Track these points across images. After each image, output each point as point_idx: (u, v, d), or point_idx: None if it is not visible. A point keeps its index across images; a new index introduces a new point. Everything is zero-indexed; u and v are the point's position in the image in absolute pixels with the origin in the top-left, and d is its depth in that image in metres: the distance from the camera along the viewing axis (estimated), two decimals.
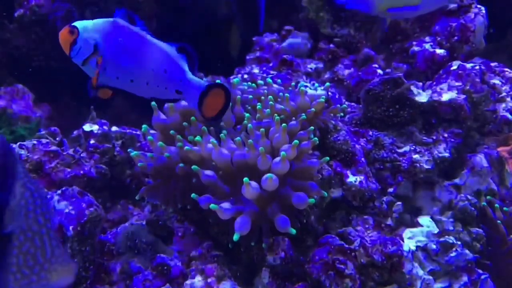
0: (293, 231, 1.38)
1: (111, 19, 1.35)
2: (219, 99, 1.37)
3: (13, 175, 0.79)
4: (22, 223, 0.78)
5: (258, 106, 1.58)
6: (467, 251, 1.55)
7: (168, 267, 1.49)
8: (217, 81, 1.82)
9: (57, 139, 1.88)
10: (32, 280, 0.78)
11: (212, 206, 1.37)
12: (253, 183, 1.37)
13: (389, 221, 1.64)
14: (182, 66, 1.36)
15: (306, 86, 1.78)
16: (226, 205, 1.38)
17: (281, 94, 1.65)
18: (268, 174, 1.37)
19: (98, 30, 1.33)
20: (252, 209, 1.40)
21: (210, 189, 1.44)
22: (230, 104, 1.42)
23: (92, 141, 1.85)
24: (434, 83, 1.90)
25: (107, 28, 1.34)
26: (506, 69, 1.96)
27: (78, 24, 1.32)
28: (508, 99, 1.89)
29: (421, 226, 1.63)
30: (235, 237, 1.35)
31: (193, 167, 1.43)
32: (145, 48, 1.36)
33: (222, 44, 2.75)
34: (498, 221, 1.61)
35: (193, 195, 1.42)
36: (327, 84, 1.82)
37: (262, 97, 1.64)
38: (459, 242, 1.57)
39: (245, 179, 1.35)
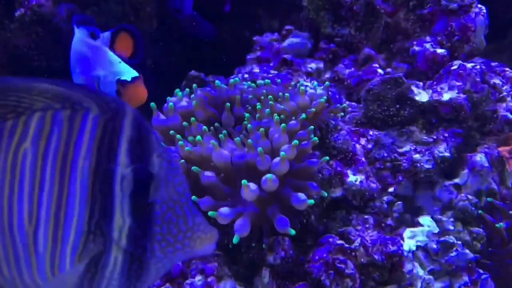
0: (293, 231, 1.38)
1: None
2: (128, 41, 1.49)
3: (149, 147, 0.80)
4: (163, 193, 0.79)
5: (258, 106, 1.58)
6: (467, 251, 1.55)
7: None
8: (217, 81, 1.82)
9: None
10: (177, 248, 0.80)
11: (210, 213, 1.36)
12: (252, 185, 1.37)
13: (389, 221, 1.64)
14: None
15: (306, 86, 1.78)
16: (225, 210, 1.38)
17: (280, 93, 1.65)
18: (268, 175, 1.37)
19: None
20: (251, 211, 1.40)
21: (210, 190, 1.44)
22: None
23: None
24: (435, 82, 1.90)
25: None
26: (506, 69, 1.96)
27: None
28: (509, 98, 1.89)
29: (422, 225, 1.63)
30: (235, 239, 1.35)
31: (193, 168, 1.43)
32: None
33: (223, 42, 2.75)
34: (497, 225, 1.61)
35: (193, 197, 1.42)
36: (327, 83, 1.82)
37: (262, 97, 1.64)
38: (459, 242, 1.57)
39: (244, 181, 1.35)
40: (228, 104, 1.61)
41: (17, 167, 0.80)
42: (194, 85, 1.74)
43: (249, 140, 1.42)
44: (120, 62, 1.63)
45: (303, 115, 1.53)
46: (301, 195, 1.39)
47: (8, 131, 0.81)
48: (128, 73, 1.59)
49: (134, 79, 1.57)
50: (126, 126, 0.79)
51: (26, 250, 0.80)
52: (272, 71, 2.13)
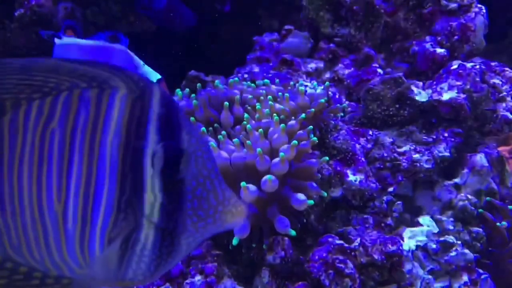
0: (293, 232, 1.38)
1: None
2: None
3: (178, 124, 0.80)
4: (193, 168, 0.80)
5: (258, 106, 1.58)
6: (467, 251, 1.55)
7: None
8: (216, 81, 1.82)
9: None
10: (209, 222, 0.81)
11: None
12: (251, 187, 1.36)
13: (389, 221, 1.64)
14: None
15: (305, 86, 1.78)
16: None
17: (280, 94, 1.64)
18: (268, 176, 1.37)
19: None
20: (251, 212, 1.40)
21: None
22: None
23: None
24: (435, 82, 1.90)
25: None
26: (506, 69, 1.96)
27: None
28: (509, 98, 1.89)
29: (421, 225, 1.64)
30: (234, 241, 1.36)
31: None
32: None
33: (221, 42, 2.75)
34: (498, 224, 1.61)
35: None
36: (327, 83, 1.82)
37: (261, 97, 1.64)
38: (459, 242, 1.57)
39: (242, 183, 1.35)
40: (226, 103, 1.61)
41: (45, 147, 0.80)
42: (199, 84, 1.73)
43: (248, 142, 1.42)
44: (144, 64, 1.66)
45: (303, 115, 1.53)
46: (301, 196, 1.39)
47: (35, 112, 0.81)
48: (152, 75, 1.63)
49: (158, 81, 1.61)
50: (155, 104, 0.80)
51: (56, 230, 0.81)
52: (271, 71, 2.13)
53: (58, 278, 0.84)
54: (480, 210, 1.65)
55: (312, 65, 2.21)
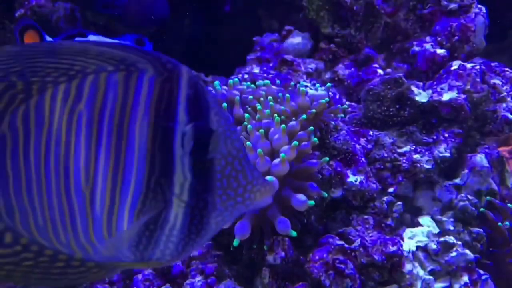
0: (294, 233, 1.38)
1: None
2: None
3: (206, 105, 0.81)
4: (222, 148, 0.81)
5: (258, 106, 1.58)
6: (467, 251, 1.55)
7: (168, 267, 1.50)
8: (216, 82, 1.82)
9: None
10: (238, 201, 0.82)
11: None
12: None
13: (389, 221, 1.64)
14: None
15: (306, 86, 1.78)
16: None
17: (280, 94, 1.64)
18: (268, 177, 1.37)
19: None
20: (252, 213, 1.40)
21: None
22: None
23: None
24: (435, 83, 1.90)
25: None
26: (506, 69, 1.96)
27: None
28: (509, 99, 1.89)
29: (422, 226, 1.64)
30: (235, 242, 1.36)
31: None
32: None
33: (221, 43, 2.75)
34: (500, 224, 1.61)
35: None
36: (329, 84, 1.82)
37: (262, 98, 1.64)
38: (459, 242, 1.57)
39: None
40: (225, 104, 1.61)
41: (72, 130, 0.81)
42: None
43: (248, 143, 1.42)
44: None
45: (303, 116, 1.53)
46: (301, 196, 1.39)
47: (61, 95, 0.82)
48: None
49: None
50: (183, 85, 0.81)
51: (83, 211, 0.81)
52: (272, 71, 2.13)
53: (83, 261, 0.85)
54: (482, 209, 1.65)
55: (312, 66, 2.21)
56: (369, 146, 1.76)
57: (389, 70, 2.13)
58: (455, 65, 1.90)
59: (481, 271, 1.54)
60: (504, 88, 1.90)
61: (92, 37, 1.73)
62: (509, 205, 1.66)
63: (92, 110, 0.81)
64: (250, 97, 1.68)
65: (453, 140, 1.77)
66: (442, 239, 1.57)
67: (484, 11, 2.15)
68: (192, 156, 0.79)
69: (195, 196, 0.80)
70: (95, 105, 0.81)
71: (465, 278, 1.53)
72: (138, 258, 0.83)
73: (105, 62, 0.81)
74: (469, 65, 1.88)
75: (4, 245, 0.84)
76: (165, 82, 0.81)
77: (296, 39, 2.32)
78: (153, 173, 0.80)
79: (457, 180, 1.74)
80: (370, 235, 1.56)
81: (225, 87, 1.74)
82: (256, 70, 2.21)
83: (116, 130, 0.80)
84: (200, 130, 0.79)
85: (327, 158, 1.52)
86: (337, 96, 1.99)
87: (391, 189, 1.72)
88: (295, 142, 1.42)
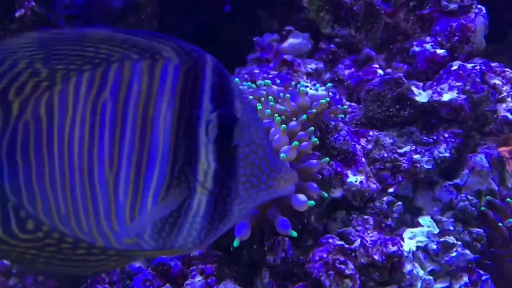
0: (294, 233, 1.38)
1: None
2: None
3: (231, 93, 0.82)
4: (246, 136, 0.82)
5: (259, 106, 1.58)
6: (467, 251, 1.55)
7: (169, 267, 1.49)
8: None
9: None
10: (262, 188, 0.83)
11: None
12: None
13: (389, 221, 1.64)
14: None
15: (306, 87, 1.78)
16: None
17: (281, 94, 1.64)
18: None
19: None
20: (252, 213, 1.40)
21: None
22: None
23: None
24: (435, 83, 1.90)
25: None
26: (506, 69, 1.96)
27: None
28: (509, 99, 1.89)
29: (422, 226, 1.64)
30: (235, 243, 1.36)
31: None
32: None
33: (221, 43, 2.75)
34: (500, 224, 1.61)
35: None
36: (329, 84, 1.82)
37: (262, 98, 1.64)
38: (459, 242, 1.57)
39: None
40: None
41: (97, 118, 0.81)
42: None
43: None
44: None
45: (304, 116, 1.53)
46: (302, 197, 1.39)
47: (85, 83, 0.82)
48: None
49: None
50: (208, 73, 0.81)
51: (106, 199, 0.82)
52: (272, 72, 2.13)
53: (104, 249, 0.85)
54: (483, 208, 1.65)
55: (312, 66, 2.21)
56: (369, 146, 1.76)
57: (389, 70, 2.13)
58: (455, 65, 1.90)
59: (481, 271, 1.54)
60: (504, 88, 1.90)
61: None
62: (508, 199, 1.65)
63: (116, 98, 0.81)
64: (251, 97, 1.68)
65: (453, 140, 1.77)
66: (442, 239, 1.57)
67: (484, 11, 2.15)
68: (217, 143, 0.80)
69: (219, 183, 0.81)
70: (120, 94, 0.81)
71: (465, 278, 1.53)
72: (160, 246, 0.83)
73: (130, 50, 0.81)
74: (469, 66, 1.88)
75: (27, 231, 0.85)
76: (190, 70, 0.81)
77: (296, 40, 2.32)
78: (177, 160, 0.80)
79: (457, 180, 1.74)
80: (370, 235, 1.56)
81: None
82: (256, 70, 2.21)
83: (141, 118, 0.80)
84: (225, 118, 0.80)
85: (327, 159, 1.52)
86: (337, 97, 1.99)
87: (391, 189, 1.72)
88: (295, 142, 1.42)
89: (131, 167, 0.81)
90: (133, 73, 0.81)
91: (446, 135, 1.78)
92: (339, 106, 1.75)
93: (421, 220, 1.65)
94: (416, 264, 1.54)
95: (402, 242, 1.54)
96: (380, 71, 2.09)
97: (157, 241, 0.83)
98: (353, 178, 1.62)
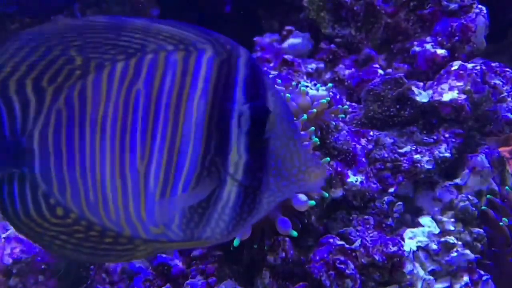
0: (295, 233, 1.38)
1: None
2: None
3: (263, 85, 0.83)
4: (278, 129, 0.82)
5: None
6: (468, 251, 1.55)
7: (169, 267, 1.49)
8: None
9: None
10: (292, 181, 0.83)
11: None
12: None
13: (390, 221, 1.64)
14: None
15: (307, 86, 1.78)
16: None
17: (282, 94, 1.64)
18: None
19: None
20: None
21: None
22: None
23: None
24: (435, 83, 1.90)
25: None
26: (507, 69, 1.96)
27: None
28: (509, 99, 1.89)
29: (422, 226, 1.64)
30: (235, 243, 1.36)
31: None
32: None
33: None
34: (501, 223, 1.61)
35: None
36: (330, 84, 1.82)
37: None
38: (460, 242, 1.57)
39: None
40: None
41: (129, 108, 0.82)
42: None
43: None
44: None
45: (304, 116, 1.53)
46: (302, 197, 1.39)
47: (119, 73, 0.83)
48: None
49: None
50: (241, 65, 0.82)
51: (136, 188, 0.82)
52: (272, 72, 2.13)
53: (131, 238, 0.86)
54: (483, 207, 1.65)
55: (312, 66, 2.21)
56: (370, 146, 1.76)
57: (389, 70, 2.12)
58: (455, 65, 1.90)
59: (482, 271, 1.54)
60: (505, 88, 1.90)
61: None
62: (506, 187, 1.65)
63: (150, 89, 0.81)
64: None
65: (453, 140, 1.77)
66: (442, 239, 1.57)
67: (485, 11, 2.15)
68: (248, 135, 0.80)
69: (250, 175, 0.81)
70: (153, 84, 0.81)
71: (466, 278, 1.53)
72: (188, 237, 0.84)
73: (165, 41, 0.82)
74: (469, 65, 1.88)
75: (57, 216, 0.86)
76: (223, 62, 0.82)
77: (296, 40, 2.32)
78: (209, 151, 0.81)
79: (458, 180, 1.73)
80: (371, 235, 1.56)
81: None
82: None
83: (174, 109, 0.81)
84: (257, 110, 0.80)
85: (328, 159, 1.52)
86: (338, 96, 1.99)
87: (391, 189, 1.72)
88: None
89: (162, 157, 0.81)
90: (167, 64, 0.82)
91: (447, 135, 1.78)
92: (340, 106, 1.75)
93: (421, 220, 1.65)
94: (417, 264, 1.54)
95: (402, 242, 1.54)
96: (380, 71, 2.09)
97: (185, 232, 0.84)
98: (354, 178, 1.62)
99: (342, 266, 1.43)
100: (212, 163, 0.81)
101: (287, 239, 1.45)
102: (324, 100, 1.61)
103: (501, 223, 1.61)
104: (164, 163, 0.81)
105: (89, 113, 0.83)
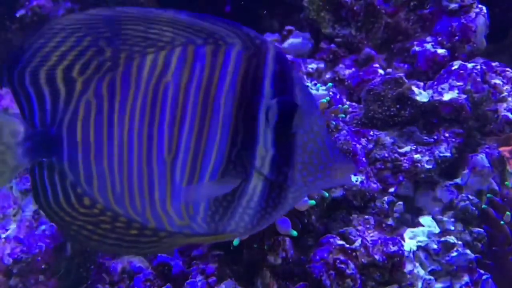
0: (295, 233, 1.38)
1: None
2: None
3: (292, 80, 0.83)
4: (306, 124, 0.82)
5: None
6: (468, 251, 1.55)
7: (169, 267, 1.50)
8: None
9: None
10: (318, 177, 0.83)
11: None
12: None
13: (390, 221, 1.64)
14: None
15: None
16: None
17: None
18: None
19: None
20: None
21: None
22: None
23: None
24: (435, 83, 1.90)
25: None
26: (507, 69, 1.96)
27: None
28: (509, 99, 1.89)
29: (422, 226, 1.64)
30: (236, 242, 1.36)
31: None
32: None
33: None
34: (502, 222, 1.61)
35: None
36: (330, 84, 1.82)
37: None
38: (460, 242, 1.57)
39: None
40: None
41: (158, 100, 0.82)
42: None
43: None
44: None
45: None
46: None
47: (148, 66, 0.83)
48: None
49: None
50: (270, 60, 0.82)
51: (163, 180, 0.83)
52: None
53: (156, 230, 0.86)
54: (484, 206, 1.65)
55: (313, 66, 2.21)
56: (370, 146, 1.76)
57: (389, 70, 2.12)
58: (455, 65, 1.90)
59: (482, 271, 1.54)
60: (505, 88, 1.90)
61: None
62: (507, 183, 1.65)
63: (179, 81, 0.82)
64: None
65: (453, 140, 1.77)
66: (442, 239, 1.57)
67: (485, 11, 2.15)
68: (276, 130, 0.80)
69: (276, 169, 0.81)
70: (182, 77, 0.82)
71: (466, 278, 1.53)
72: (212, 230, 0.84)
73: (194, 35, 0.82)
74: (470, 65, 1.88)
75: (84, 206, 0.87)
76: (252, 56, 0.82)
77: (296, 39, 2.32)
78: (235, 145, 0.81)
79: (458, 180, 1.73)
80: (371, 235, 1.55)
81: None
82: None
83: (202, 102, 0.81)
84: (285, 104, 0.80)
85: None
86: (338, 96, 1.99)
87: (391, 189, 1.72)
88: None
89: (189, 150, 0.82)
90: (196, 57, 0.82)
91: (447, 135, 1.78)
92: (340, 105, 1.75)
93: (421, 220, 1.65)
94: (417, 264, 1.54)
95: (402, 242, 1.54)
96: (380, 71, 2.09)
97: (209, 225, 0.84)
98: (354, 178, 1.62)
99: (343, 266, 1.43)
100: (239, 157, 0.81)
101: (287, 239, 1.45)
102: (324, 100, 1.61)
103: (502, 222, 1.61)
104: (191, 156, 0.82)
105: (118, 105, 0.83)
